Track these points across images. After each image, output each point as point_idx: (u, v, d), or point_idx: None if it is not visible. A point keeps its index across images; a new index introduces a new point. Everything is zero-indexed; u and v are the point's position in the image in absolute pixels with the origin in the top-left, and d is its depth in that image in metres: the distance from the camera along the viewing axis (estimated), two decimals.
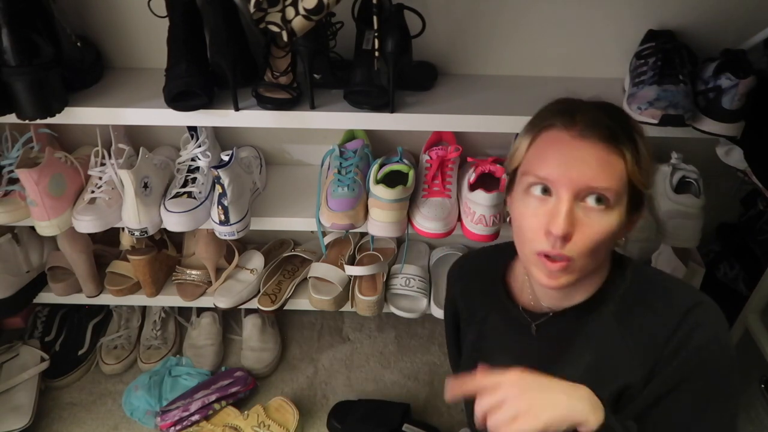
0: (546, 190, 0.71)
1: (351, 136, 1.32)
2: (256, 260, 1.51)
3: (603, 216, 0.69)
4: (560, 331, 0.82)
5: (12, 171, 1.22)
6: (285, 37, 0.98)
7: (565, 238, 0.69)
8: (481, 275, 0.95)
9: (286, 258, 1.53)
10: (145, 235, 1.21)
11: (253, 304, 1.46)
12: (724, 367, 0.73)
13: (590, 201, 0.69)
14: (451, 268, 1.05)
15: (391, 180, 1.20)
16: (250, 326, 1.62)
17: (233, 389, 1.46)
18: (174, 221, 1.20)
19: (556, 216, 0.69)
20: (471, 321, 0.96)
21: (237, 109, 1.09)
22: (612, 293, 0.79)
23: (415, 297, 1.43)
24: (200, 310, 1.66)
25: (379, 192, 1.15)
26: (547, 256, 0.71)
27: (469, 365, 0.97)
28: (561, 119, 0.71)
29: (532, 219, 0.72)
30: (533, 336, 0.85)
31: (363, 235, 1.55)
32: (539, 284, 0.75)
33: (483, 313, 0.93)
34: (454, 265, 1.06)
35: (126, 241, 1.42)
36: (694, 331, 0.72)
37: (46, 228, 1.21)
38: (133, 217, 1.18)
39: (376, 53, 1.02)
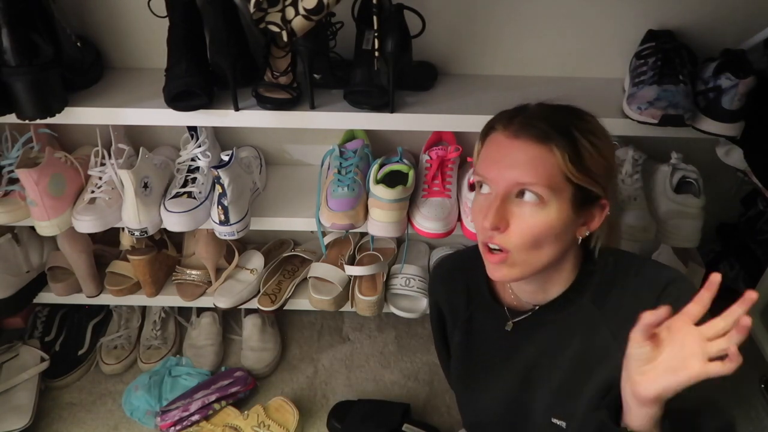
0: (488, 188, 0.77)
1: (351, 136, 1.32)
2: (256, 260, 1.51)
3: (537, 210, 0.74)
4: (542, 325, 0.86)
5: (12, 171, 1.22)
6: (285, 37, 0.98)
7: (498, 229, 0.74)
8: (463, 276, 0.97)
9: (286, 258, 1.53)
10: (145, 235, 1.21)
11: (253, 304, 1.46)
12: None
13: (524, 196, 0.74)
14: (432, 274, 1.08)
15: (391, 180, 1.20)
16: (250, 326, 1.62)
17: (233, 389, 1.46)
18: (174, 221, 1.20)
19: (488, 210, 0.74)
20: (456, 322, 0.98)
21: (237, 109, 1.09)
22: (588, 282, 0.82)
23: (415, 297, 1.43)
24: (200, 310, 1.66)
25: (379, 192, 1.15)
26: (488, 249, 0.77)
27: (458, 365, 0.98)
28: (501, 123, 0.77)
29: (477, 214, 0.78)
30: (515, 333, 0.89)
31: (363, 235, 1.55)
32: (489, 275, 0.81)
33: (468, 313, 0.96)
34: (434, 270, 1.09)
35: (126, 241, 1.42)
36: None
37: (46, 228, 1.21)
38: (133, 217, 1.18)
39: (376, 53, 1.02)
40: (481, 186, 0.78)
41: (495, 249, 0.76)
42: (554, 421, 0.85)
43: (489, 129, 0.80)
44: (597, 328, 0.81)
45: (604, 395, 0.80)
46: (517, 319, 0.88)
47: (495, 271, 0.78)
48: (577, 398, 0.82)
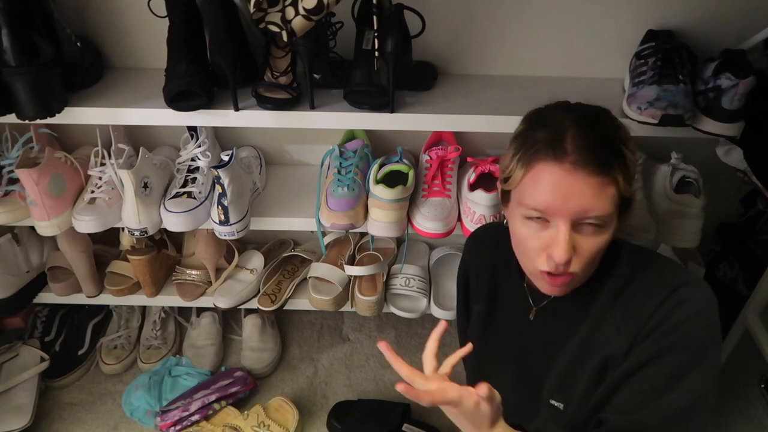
0: (537, 214, 0.75)
1: (351, 136, 1.32)
2: (256, 260, 1.51)
3: (598, 233, 0.75)
4: (561, 311, 0.88)
5: (12, 171, 1.22)
6: (285, 37, 0.98)
7: (569, 262, 0.74)
8: (495, 252, 0.98)
9: (286, 258, 1.53)
10: (145, 235, 1.21)
11: (253, 304, 1.46)
12: (704, 343, 0.75)
13: (587, 225, 0.74)
14: (467, 240, 1.08)
15: (391, 180, 1.20)
16: (250, 326, 1.62)
17: (233, 389, 1.46)
18: (174, 221, 1.20)
19: (556, 245, 0.74)
20: (479, 293, 1.00)
21: (237, 109, 1.09)
22: (609, 275, 0.83)
23: (415, 297, 1.43)
24: (200, 310, 1.66)
25: (379, 192, 1.15)
26: (547, 273, 0.78)
27: (476, 332, 1.00)
28: (552, 152, 0.73)
29: (533, 241, 0.78)
30: (535, 316, 0.91)
31: (363, 235, 1.55)
32: (543, 291, 0.82)
33: (490, 287, 0.97)
34: (469, 238, 1.09)
35: (126, 241, 1.42)
36: (677, 308, 0.76)
37: (46, 228, 1.21)
38: (133, 217, 1.18)
39: (376, 53, 1.02)
40: (532, 215, 0.76)
41: (557, 274, 0.77)
42: (552, 402, 0.87)
43: (534, 158, 0.75)
44: (606, 318, 0.82)
45: (597, 382, 0.81)
46: (539, 305, 0.90)
47: (555, 290, 0.80)
48: (577, 382, 0.84)
